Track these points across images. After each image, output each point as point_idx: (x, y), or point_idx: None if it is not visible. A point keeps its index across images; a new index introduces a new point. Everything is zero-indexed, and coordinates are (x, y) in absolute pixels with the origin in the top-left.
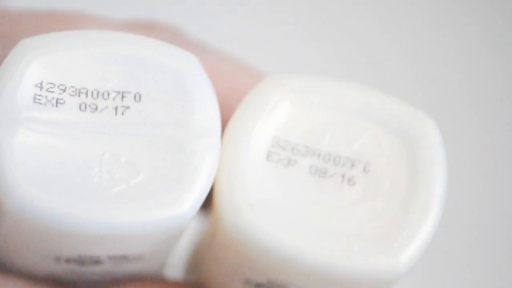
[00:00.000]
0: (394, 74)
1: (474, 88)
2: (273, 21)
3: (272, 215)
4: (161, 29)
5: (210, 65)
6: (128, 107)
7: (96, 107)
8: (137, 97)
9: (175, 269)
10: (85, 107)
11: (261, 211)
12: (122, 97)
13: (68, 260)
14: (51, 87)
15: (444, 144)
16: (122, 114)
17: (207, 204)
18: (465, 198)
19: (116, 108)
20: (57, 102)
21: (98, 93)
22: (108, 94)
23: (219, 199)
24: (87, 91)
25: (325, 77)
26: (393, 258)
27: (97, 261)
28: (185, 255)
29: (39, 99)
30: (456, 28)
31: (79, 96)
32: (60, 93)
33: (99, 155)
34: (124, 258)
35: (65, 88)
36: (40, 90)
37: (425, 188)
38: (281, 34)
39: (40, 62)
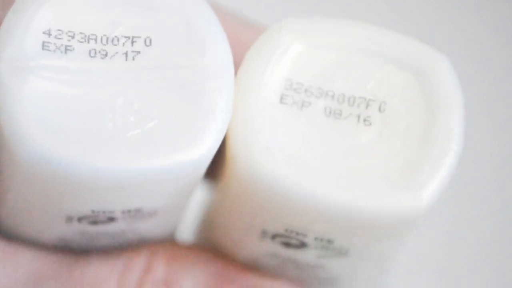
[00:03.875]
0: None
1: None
2: None
3: (289, 158)
4: None
5: None
6: (138, 52)
7: (106, 53)
8: (148, 42)
9: (186, 234)
10: (95, 53)
11: (278, 154)
12: (133, 42)
13: (80, 219)
14: (60, 34)
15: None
16: (133, 59)
17: (213, 173)
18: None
19: (126, 54)
20: (66, 49)
21: (107, 38)
22: (118, 39)
23: (234, 145)
24: (96, 37)
25: (334, 18)
26: (415, 195)
27: (110, 218)
28: (196, 221)
29: (48, 46)
30: None
31: (88, 42)
32: (69, 40)
33: (112, 102)
34: (138, 213)
35: (74, 34)
36: (49, 37)
37: (443, 124)
38: None
39: (48, 8)
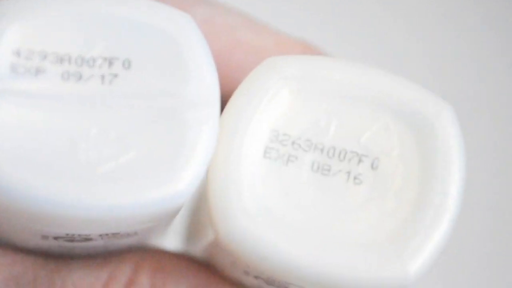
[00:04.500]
0: (402, 54)
1: (493, 75)
2: None
3: (270, 221)
4: None
5: (211, 18)
6: (116, 75)
7: (81, 75)
8: (126, 64)
9: (176, 237)
10: (68, 75)
11: (258, 216)
12: (110, 63)
13: (56, 238)
14: (30, 54)
15: (462, 135)
16: (110, 83)
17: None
18: (483, 199)
19: (103, 77)
20: (37, 71)
21: (82, 59)
22: (94, 60)
23: (212, 203)
24: (70, 57)
25: (328, 59)
26: (402, 269)
27: (87, 239)
28: (187, 222)
29: (17, 68)
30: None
31: (61, 63)
32: (40, 61)
33: (86, 130)
34: (116, 235)
35: (46, 55)
36: (18, 58)
37: (440, 187)
38: None
39: (17, 26)
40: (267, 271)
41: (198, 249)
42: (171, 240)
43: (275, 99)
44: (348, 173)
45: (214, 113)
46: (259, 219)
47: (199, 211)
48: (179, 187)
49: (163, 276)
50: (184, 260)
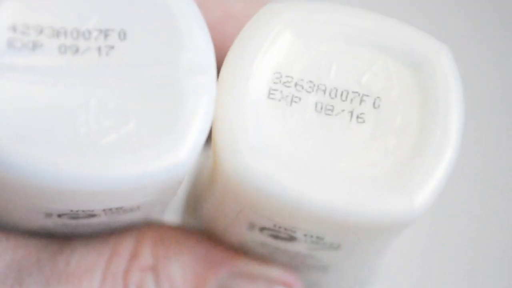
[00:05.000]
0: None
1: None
2: None
3: (275, 158)
4: None
5: None
6: (112, 47)
7: (77, 48)
8: (122, 35)
9: (173, 211)
10: (65, 49)
11: (264, 153)
12: (105, 35)
13: (60, 215)
14: (26, 29)
15: (459, 73)
16: (107, 54)
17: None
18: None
19: (99, 49)
20: (33, 46)
21: (78, 32)
22: (90, 33)
23: (218, 142)
24: (66, 31)
25: (327, 3)
26: (407, 200)
27: (91, 215)
28: (184, 196)
29: (14, 43)
30: None
31: (57, 37)
32: (36, 35)
33: (85, 102)
34: (120, 209)
35: (42, 29)
36: (14, 33)
37: (440, 122)
38: None
39: (12, 2)
40: (273, 209)
41: (195, 221)
42: (168, 215)
43: (277, 42)
44: (351, 112)
45: (210, 80)
46: (265, 156)
47: (197, 180)
48: (180, 156)
49: (165, 247)
50: (183, 231)
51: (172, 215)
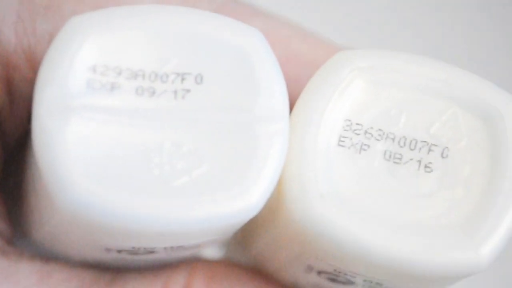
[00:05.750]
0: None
1: None
2: None
3: (344, 206)
4: None
5: (267, 30)
6: (188, 90)
7: (154, 91)
8: (199, 79)
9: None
10: (142, 91)
11: (333, 201)
12: (182, 79)
13: (120, 251)
14: (105, 70)
15: None
16: (183, 98)
17: None
18: None
19: (175, 92)
20: (112, 87)
21: (156, 75)
22: (167, 76)
23: (287, 188)
24: (144, 73)
25: (399, 52)
26: (474, 252)
27: (151, 252)
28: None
29: (93, 84)
30: None
31: (135, 79)
32: (115, 77)
33: (159, 144)
34: (181, 248)
35: (121, 71)
36: (94, 73)
37: (509, 174)
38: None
39: (93, 42)
40: (338, 256)
41: (244, 257)
42: (216, 249)
43: (349, 89)
44: (419, 161)
45: (284, 126)
46: (334, 203)
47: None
48: (251, 200)
49: (217, 283)
50: (234, 267)
51: (218, 249)
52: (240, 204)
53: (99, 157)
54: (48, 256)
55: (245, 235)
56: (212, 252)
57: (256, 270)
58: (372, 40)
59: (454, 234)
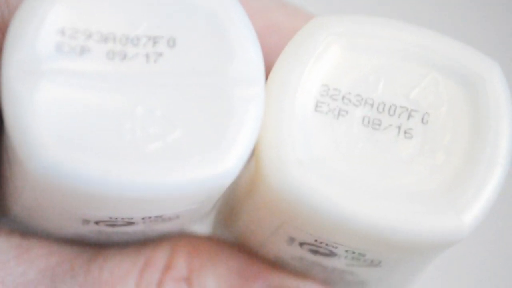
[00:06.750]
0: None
1: None
2: None
3: (323, 172)
4: None
5: (246, 1)
6: (161, 54)
7: (125, 54)
8: (171, 42)
9: (204, 221)
10: (113, 54)
11: (311, 167)
12: (154, 42)
13: (97, 222)
14: (75, 33)
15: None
16: (155, 61)
17: None
18: None
19: (147, 55)
20: (81, 50)
21: (127, 38)
22: (138, 39)
23: (264, 155)
24: (114, 36)
25: (376, 17)
26: (456, 218)
27: (129, 222)
28: (216, 206)
29: (62, 47)
30: None
31: (106, 42)
32: (84, 40)
33: (131, 109)
34: (159, 218)
35: (90, 34)
36: (62, 37)
37: (490, 140)
38: None
39: (62, 5)
40: (317, 224)
41: (228, 232)
42: (200, 225)
43: (326, 54)
44: (399, 127)
45: (259, 91)
46: (312, 170)
47: (232, 192)
48: (226, 166)
49: (200, 259)
50: (217, 243)
51: (202, 226)
52: (215, 169)
53: (69, 121)
54: (28, 232)
55: (228, 211)
56: (195, 228)
57: (240, 246)
58: None
59: (435, 200)
